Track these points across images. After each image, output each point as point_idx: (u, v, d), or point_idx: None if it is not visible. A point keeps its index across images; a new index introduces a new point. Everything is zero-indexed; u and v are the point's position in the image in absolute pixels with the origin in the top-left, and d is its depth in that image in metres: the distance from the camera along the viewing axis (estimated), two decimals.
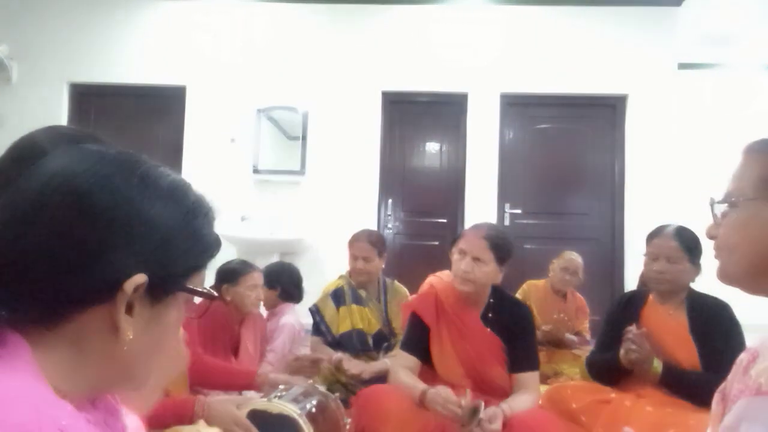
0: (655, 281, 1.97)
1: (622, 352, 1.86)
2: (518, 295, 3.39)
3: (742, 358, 0.70)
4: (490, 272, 1.88)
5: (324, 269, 4.24)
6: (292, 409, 1.47)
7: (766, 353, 0.65)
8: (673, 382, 1.80)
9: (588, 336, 3.45)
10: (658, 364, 1.83)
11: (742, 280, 0.77)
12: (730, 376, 0.73)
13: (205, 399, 1.44)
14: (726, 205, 0.80)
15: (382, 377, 2.35)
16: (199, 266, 0.57)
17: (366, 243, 2.80)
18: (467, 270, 1.86)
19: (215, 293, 0.61)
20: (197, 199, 0.57)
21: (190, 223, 0.55)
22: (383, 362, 2.58)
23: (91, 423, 0.52)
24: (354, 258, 2.80)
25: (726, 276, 0.79)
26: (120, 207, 0.50)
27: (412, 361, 1.92)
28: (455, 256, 1.92)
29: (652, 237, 2.03)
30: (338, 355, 2.60)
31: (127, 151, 0.55)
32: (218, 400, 1.45)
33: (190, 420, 1.42)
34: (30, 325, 0.49)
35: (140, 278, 0.50)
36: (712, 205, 0.82)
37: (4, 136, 0.51)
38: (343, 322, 2.77)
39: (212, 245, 0.58)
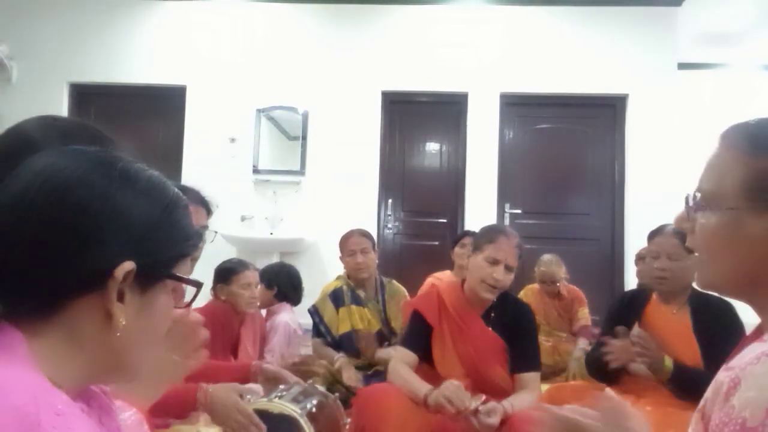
0: (657, 280, 1.96)
1: (633, 366, 1.86)
2: None
3: (722, 381, 0.65)
4: (512, 278, 1.89)
5: (324, 269, 4.24)
6: (292, 409, 1.47)
7: (749, 380, 0.60)
8: (683, 381, 1.78)
9: (588, 322, 3.44)
10: (669, 362, 1.81)
11: (725, 289, 0.74)
12: (710, 396, 0.68)
13: (207, 386, 1.44)
14: (700, 199, 0.74)
15: (382, 375, 2.36)
16: (182, 254, 0.60)
17: (360, 236, 2.87)
18: (500, 278, 1.83)
19: (201, 282, 0.64)
20: (175, 193, 0.60)
21: (170, 214, 0.58)
22: (387, 351, 2.59)
23: (86, 413, 0.53)
24: (352, 253, 2.81)
25: (706, 284, 0.76)
26: (101, 201, 0.52)
27: (410, 357, 1.91)
28: (481, 262, 1.86)
29: (653, 235, 2.03)
30: (338, 363, 2.60)
31: (106, 148, 0.57)
32: (220, 387, 1.44)
33: (193, 407, 1.42)
34: (24, 317, 0.51)
35: (129, 265, 0.52)
36: (687, 200, 0.76)
37: None
38: (342, 322, 2.77)
39: (193, 235, 0.61)
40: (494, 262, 1.84)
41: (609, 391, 1.01)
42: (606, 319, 2.17)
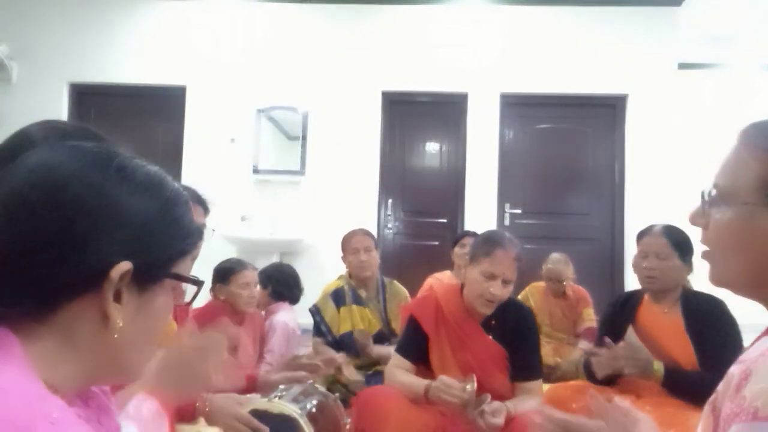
0: (646, 279, 1.96)
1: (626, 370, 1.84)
2: (519, 298, 3.39)
3: (734, 373, 0.66)
4: (511, 290, 1.84)
5: (324, 269, 4.24)
6: (292, 409, 1.47)
7: (760, 372, 0.61)
8: (676, 385, 1.79)
9: (593, 323, 3.41)
10: (659, 366, 1.82)
11: (737, 286, 0.73)
12: (721, 389, 0.69)
13: (206, 395, 1.44)
14: (716, 194, 0.74)
15: (382, 375, 2.36)
16: (182, 253, 0.58)
17: (363, 235, 2.88)
18: (498, 294, 1.77)
19: (201, 279, 0.62)
20: (174, 188, 0.58)
21: (169, 211, 0.56)
22: (388, 349, 2.57)
23: (82, 418, 0.53)
24: (355, 252, 2.82)
25: (719, 281, 0.75)
26: (97, 198, 0.51)
27: (405, 365, 1.89)
28: (478, 276, 1.79)
29: (641, 236, 2.04)
30: (338, 362, 2.59)
31: (103, 144, 0.55)
32: (220, 396, 1.45)
33: (192, 416, 1.42)
34: (18, 319, 0.50)
35: (125, 266, 0.51)
36: (702, 195, 0.76)
37: (4, 136, 0.52)
38: (343, 322, 2.77)
39: (193, 232, 0.59)
40: (491, 277, 1.77)
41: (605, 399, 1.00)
42: (601, 323, 2.17)
